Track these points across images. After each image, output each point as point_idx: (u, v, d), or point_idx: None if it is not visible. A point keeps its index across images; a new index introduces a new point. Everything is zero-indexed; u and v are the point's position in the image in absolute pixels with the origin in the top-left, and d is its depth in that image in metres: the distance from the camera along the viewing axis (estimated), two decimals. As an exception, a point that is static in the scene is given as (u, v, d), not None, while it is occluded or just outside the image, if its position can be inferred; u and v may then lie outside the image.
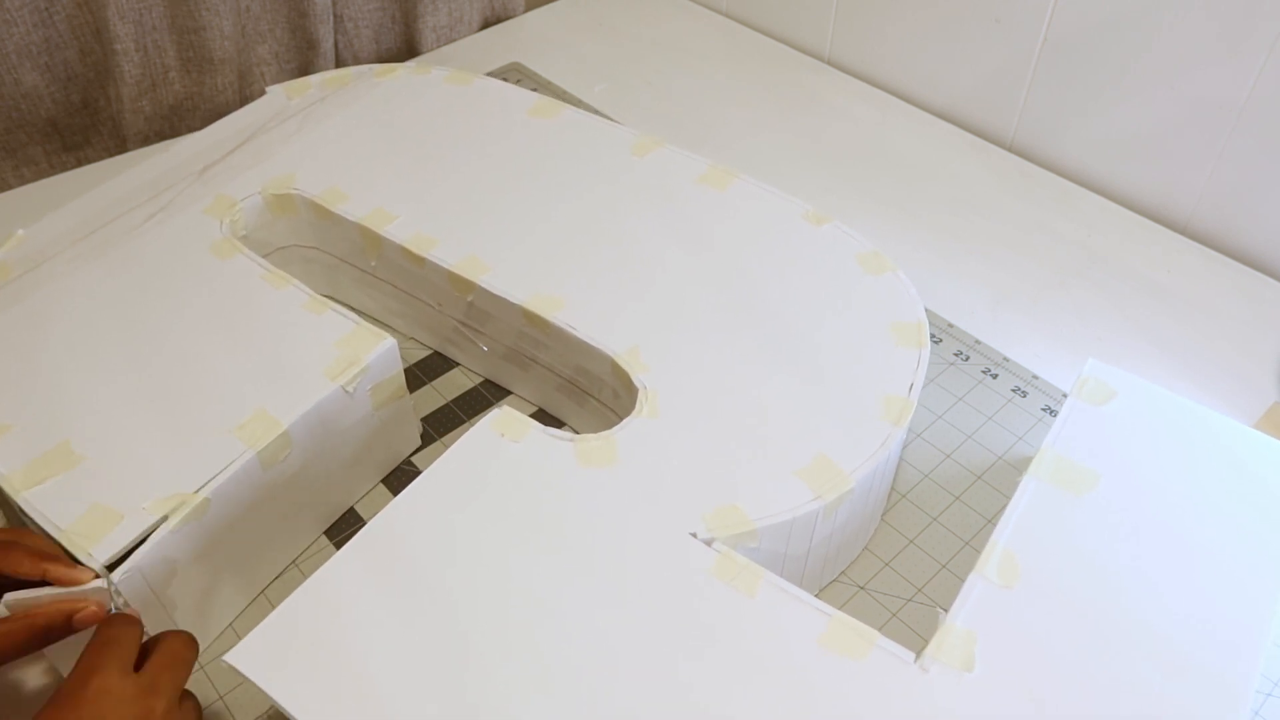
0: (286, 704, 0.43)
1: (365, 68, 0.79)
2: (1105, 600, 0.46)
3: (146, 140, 0.88)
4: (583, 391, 0.60)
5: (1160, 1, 0.71)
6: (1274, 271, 0.74)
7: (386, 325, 0.70)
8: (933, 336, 0.69)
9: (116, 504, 0.48)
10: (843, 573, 0.57)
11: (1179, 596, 0.46)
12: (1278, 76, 0.68)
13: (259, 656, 0.44)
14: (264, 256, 0.63)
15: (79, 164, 0.87)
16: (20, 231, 0.64)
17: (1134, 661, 0.44)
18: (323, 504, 0.57)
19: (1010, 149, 0.86)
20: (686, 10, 1.04)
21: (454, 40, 1.00)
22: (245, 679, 0.49)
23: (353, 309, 0.64)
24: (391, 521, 0.48)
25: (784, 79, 0.94)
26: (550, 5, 1.06)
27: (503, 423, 0.52)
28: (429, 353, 0.69)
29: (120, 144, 0.88)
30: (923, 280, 0.73)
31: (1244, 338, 0.69)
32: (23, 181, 0.85)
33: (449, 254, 0.62)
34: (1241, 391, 0.66)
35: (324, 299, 0.59)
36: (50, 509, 0.48)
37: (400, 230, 0.63)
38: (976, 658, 0.44)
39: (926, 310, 0.71)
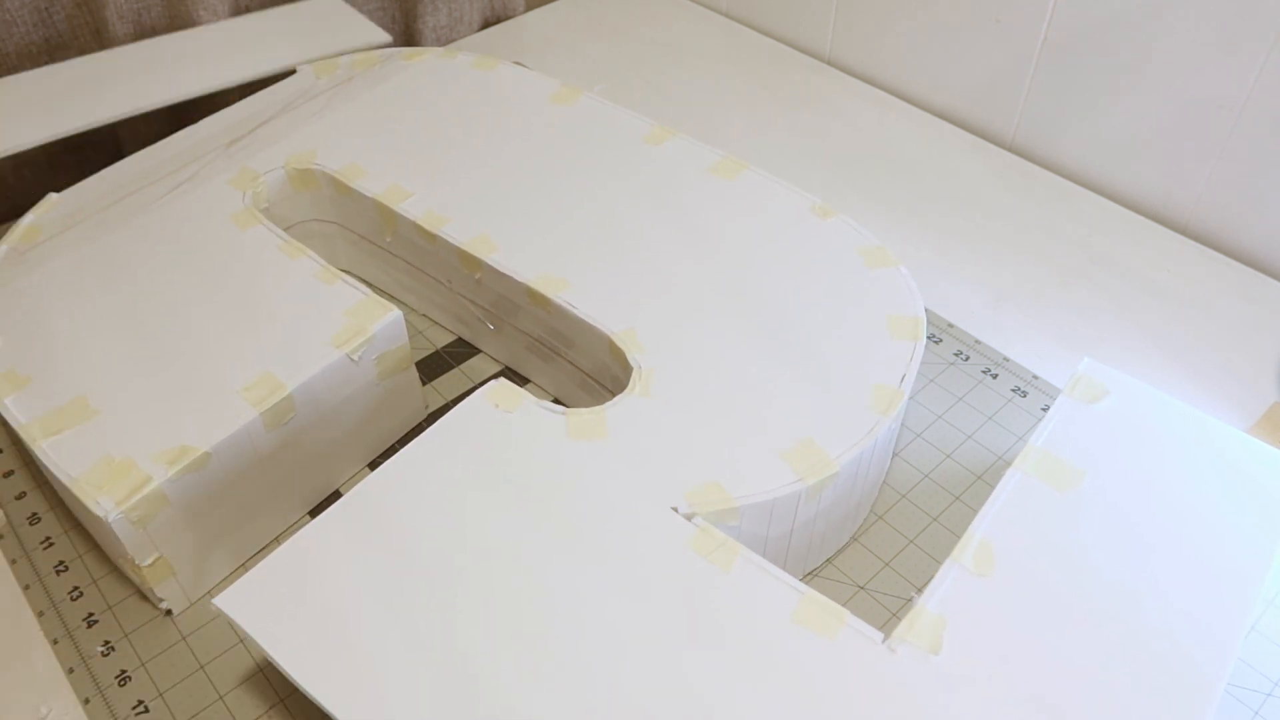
0: (271, 649, 0.44)
1: (394, 50, 0.80)
2: (1081, 593, 0.46)
3: (146, 141, 0.88)
4: (602, 388, 0.61)
5: (1160, 1, 0.71)
6: (1274, 271, 0.74)
7: (400, 302, 0.71)
8: (933, 337, 0.69)
9: (126, 456, 0.51)
10: (837, 565, 0.57)
11: (1156, 592, 0.46)
12: (1278, 76, 0.68)
13: (246, 602, 0.46)
14: (285, 230, 0.64)
15: (79, 164, 0.87)
16: (52, 195, 0.67)
17: (1105, 653, 0.44)
18: (320, 474, 0.58)
19: (1010, 149, 0.86)
20: (686, 10, 1.04)
21: (454, 40, 1.00)
22: (248, 678, 0.49)
23: (368, 284, 0.65)
24: (383, 482, 0.50)
25: (784, 79, 0.94)
26: (550, 5, 1.06)
27: (497, 393, 0.54)
28: (431, 352, 0.69)
29: (119, 145, 0.88)
30: (923, 280, 0.73)
31: (1244, 338, 0.69)
32: (23, 182, 0.85)
33: (460, 232, 0.63)
34: (1241, 392, 0.66)
35: (335, 270, 0.60)
36: (63, 459, 0.51)
37: (415, 207, 0.65)
38: (945, 642, 0.44)
39: (927, 310, 0.71)
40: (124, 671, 0.52)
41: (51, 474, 0.51)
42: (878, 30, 0.91)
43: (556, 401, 0.65)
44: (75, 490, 0.50)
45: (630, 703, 0.43)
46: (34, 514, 0.60)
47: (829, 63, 0.97)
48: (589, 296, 0.59)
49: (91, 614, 0.55)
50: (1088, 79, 0.78)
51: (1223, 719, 0.50)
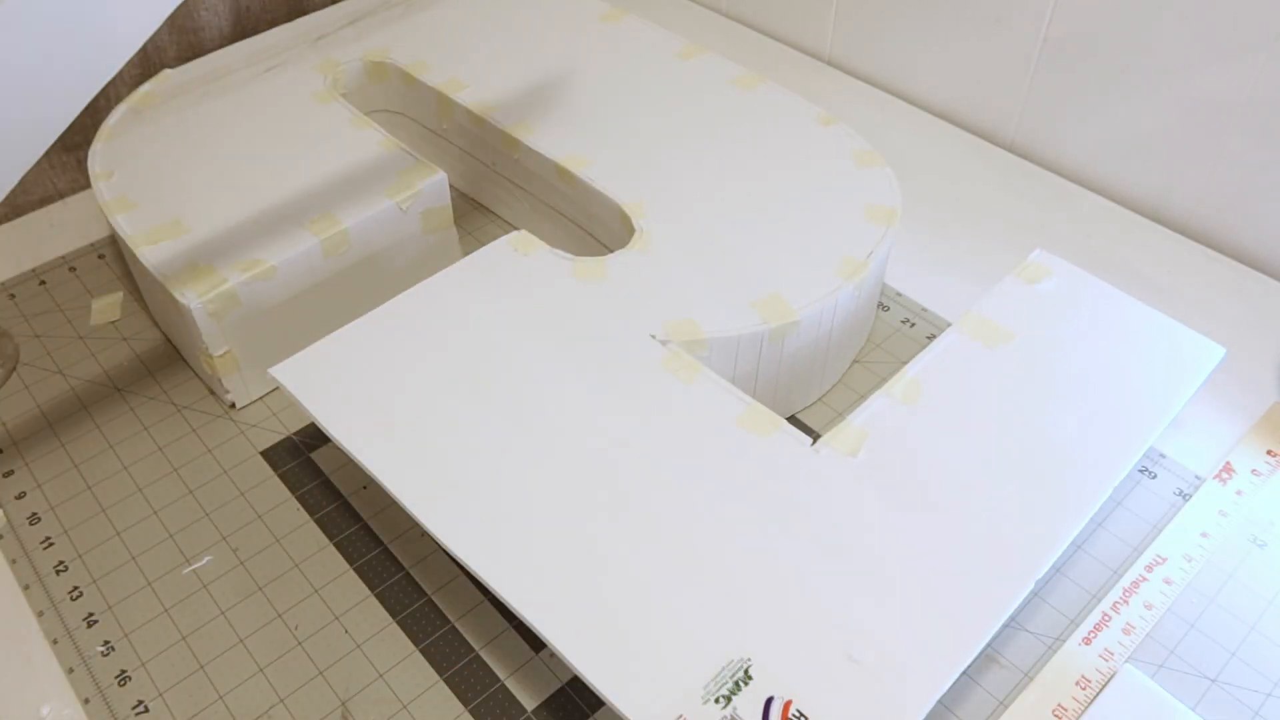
0: (320, 416, 0.54)
1: None
2: (991, 424, 0.54)
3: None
4: (610, 253, 0.66)
5: (1160, 2, 0.71)
6: (1274, 271, 0.74)
7: (453, 186, 0.80)
8: (932, 337, 0.69)
9: (208, 263, 0.62)
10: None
11: (1055, 431, 0.54)
12: (1278, 76, 0.68)
13: (299, 375, 0.57)
14: None
15: (79, 164, 0.87)
16: (167, 70, 0.80)
17: (997, 472, 0.52)
18: (368, 307, 0.63)
19: (1010, 149, 0.86)
20: (686, 10, 1.04)
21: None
22: (248, 678, 0.48)
23: None
24: (422, 295, 0.61)
25: (784, 79, 0.94)
26: (550, 5, 1.06)
27: (517, 240, 0.64)
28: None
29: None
30: (922, 280, 0.73)
31: (1244, 338, 0.69)
32: (23, 181, 0.85)
33: (505, 117, 0.74)
34: (1241, 391, 0.66)
35: (395, 140, 0.71)
36: (159, 261, 0.62)
37: (468, 96, 0.76)
38: (864, 449, 0.53)
39: (926, 310, 0.71)
40: (124, 671, 0.52)
41: (147, 273, 0.63)
42: (878, 30, 0.91)
43: None
44: (167, 285, 0.60)
45: (598, 477, 0.52)
46: (34, 514, 0.60)
47: (829, 63, 0.97)
48: (606, 173, 0.69)
49: (91, 614, 0.55)
50: (1088, 79, 0.78)
51: (1223, 719, 0.50)
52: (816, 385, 0.65)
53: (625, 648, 0.45)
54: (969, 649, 0.45)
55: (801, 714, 0.43)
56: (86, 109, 0.86)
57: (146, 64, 0.84)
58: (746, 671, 0.44)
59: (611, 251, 0.65)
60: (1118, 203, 0.80)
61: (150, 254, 0.63)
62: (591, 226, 0.72)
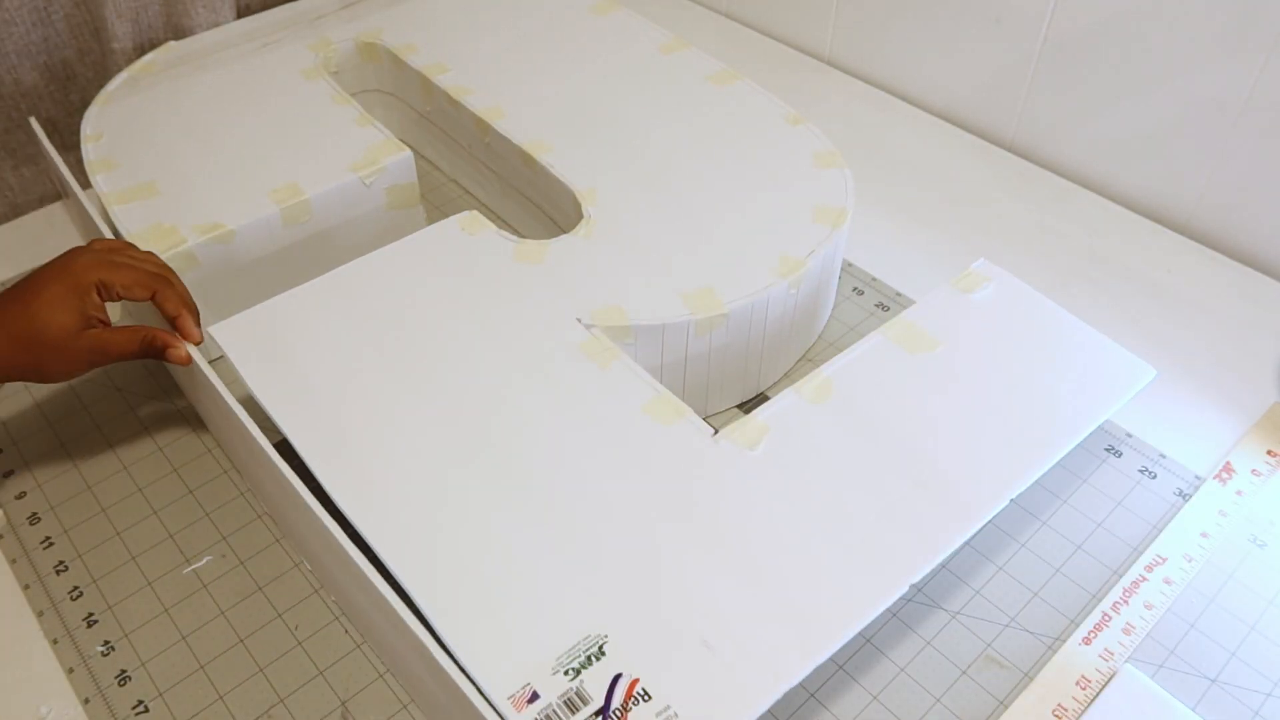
0: (252, 384, 0.55)
1: None
2: (892, 429, 0.54)
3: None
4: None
5: (1160, 1, 0.71)
6: (1274, 271, 0.74)
7: (436, 167, 0.86)
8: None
9: (172, 224, 0.65)
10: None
11: (959, 440, 0.53)
12: (1278, 77, 0.68)
13: (239, 336, 0.58)
14: (351, 95, 0.78)
15: (78, 165, 0.87)
16: (171, 43, 0.84)
17: (891, 476, 0.52)
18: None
19: (1010, 149, 0.86)
20: (686, 10, 1.04)
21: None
22: (248, 678, 0.49)
23: (413, 149, 0.74)
24: (365, 267, 0.63)
25: (784, 79, 0.94)
26: (550, 5, 1.06)
27: (466, 220, 0.66)
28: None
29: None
30: (921, 280, 0.73)
31: (1244, 338, 0.69)
32: (22, 181, 0.85)
33: (479, 101, 0.76)
34: (1241, 391, 0.66)
35: (370, 118, 0.74)
36: (128, 220, 0.66)
37: (447, 80, 0.79)
38: (763, 443, 0.53)
39: (927, 310, 0.71)
40: (124, 671, 0.52)
41: (117, 231, 0.65)
42: (878, 30, 0.91)
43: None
44: (130, 241, 0.62)
45: (496, 451, 0.53)
46: (34, 514, 0.60)
47: (829, 63, 0.97)
48: (566, 160, 0.71)
49: (91, 614, 0.55)
50: (1088, 79, 0.78)
51: (1223, 719, 0.50)
52: (755, 380, 0.65)
53: (489, 614, 0.46)
54: (826, 647, 0.45)
55: (645, 693, 0.43)
56: (88, 108, 0.86)
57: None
58: (601, 648, 0.45)
59: (565, 233, 0.66)
60: (1118, 203, 0.80)
61: (122, 213, 0.66)
62: (552, 211, 0.73)
